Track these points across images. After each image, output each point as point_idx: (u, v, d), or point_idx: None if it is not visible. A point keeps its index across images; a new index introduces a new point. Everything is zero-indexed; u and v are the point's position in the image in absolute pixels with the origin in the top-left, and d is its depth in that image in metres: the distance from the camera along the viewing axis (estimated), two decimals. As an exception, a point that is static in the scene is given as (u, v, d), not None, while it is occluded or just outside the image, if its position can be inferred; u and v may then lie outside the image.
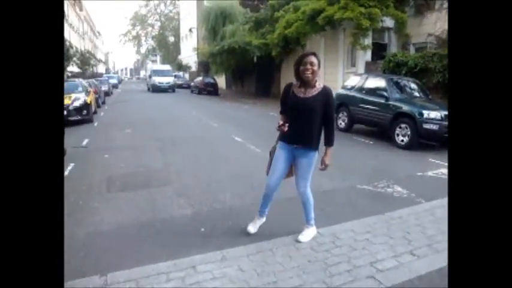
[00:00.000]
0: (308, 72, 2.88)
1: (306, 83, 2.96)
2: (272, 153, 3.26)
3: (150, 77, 31.88)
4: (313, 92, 2.95)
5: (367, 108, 8.75)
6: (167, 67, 35.83)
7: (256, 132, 9.51)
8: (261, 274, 2.66)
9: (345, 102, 9.64)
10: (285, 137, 3.05)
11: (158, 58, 62.58)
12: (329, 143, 3.06)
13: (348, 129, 9.47)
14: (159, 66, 40.59)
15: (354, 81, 9.88)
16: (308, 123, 2.95)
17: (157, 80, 29.63)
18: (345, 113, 9.61)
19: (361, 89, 9.26)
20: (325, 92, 2.98)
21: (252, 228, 3.33)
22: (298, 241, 3.16)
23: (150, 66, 46.12)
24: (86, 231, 3.50)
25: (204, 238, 3.29)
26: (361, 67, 15.28)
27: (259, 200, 4.19)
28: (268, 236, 3.27)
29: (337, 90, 11.15)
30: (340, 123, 9.74)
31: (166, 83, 29.64)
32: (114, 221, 3.72)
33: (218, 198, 4.35)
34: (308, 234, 3.24)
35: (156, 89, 28.99)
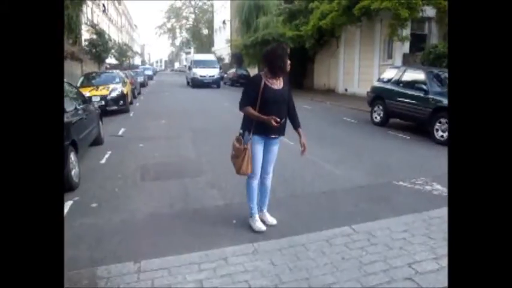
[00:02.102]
0: (289, 65, 2.98)
1: (279, 75, 3.03)
2: (236, 151, 3.09)
3: (189, 68, 26.37)
4: (281, 83, 3.07)
5: (405, 101, 8.39)
6: (211, 56, 29.35)
7: (288, 125, 9.38)
8: (293, 269, 2.61)
9: (380, 95, 9.31)
10: (262, 130, 3.03)
11: (192, 50, 63.33)
12: (299, 124, 3.26)
13: (383, 124, 9.15)
14: (201, 55, 30.56)
15: (390, 73, 9.51)
16: (284, 112, 3.08)
17: (199, 72, 24.34)
18: (381, 107, 9.28)
19: (398, 82, 8.90)
20: (287, 80, 3.12)
21: (262, 226, 3.24)
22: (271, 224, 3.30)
23: (187, 56, 40.11)
24: (122, 218, 3.60)
25: (235, 230, 3.27)
26: (398, 59, 14.72)
27: (290, 192, 4.14)
28: (301, 230, 3.21)
29: (372, 83, 10.82)
30: (375, 117, 9.43)
31: (210, 77, 24.22)
32: (148, 209, 3.80)
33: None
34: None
35: (197, 83, 23.83)
